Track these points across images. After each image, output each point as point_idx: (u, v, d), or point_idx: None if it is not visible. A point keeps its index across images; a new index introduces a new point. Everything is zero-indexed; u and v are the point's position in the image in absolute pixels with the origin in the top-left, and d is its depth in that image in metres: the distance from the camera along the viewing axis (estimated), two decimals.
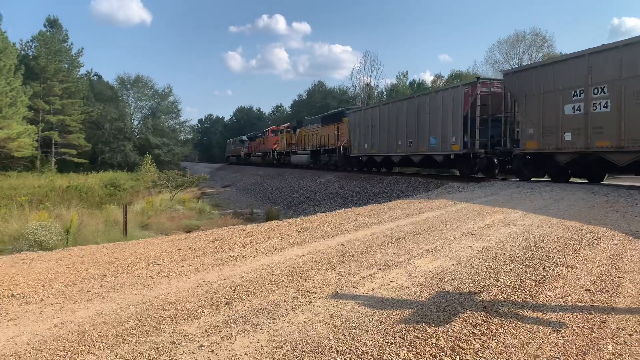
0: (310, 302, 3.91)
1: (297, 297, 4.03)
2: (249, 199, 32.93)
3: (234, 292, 4.20)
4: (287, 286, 4.37)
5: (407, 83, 61.12)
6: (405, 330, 3.30)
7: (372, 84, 58.73)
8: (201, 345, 3.09)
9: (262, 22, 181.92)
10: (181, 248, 6.36)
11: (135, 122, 60.92)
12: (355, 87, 60.30)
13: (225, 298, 4.04)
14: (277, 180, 34.76)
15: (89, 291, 4.36)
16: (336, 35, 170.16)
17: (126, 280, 4.72)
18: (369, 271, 4.85)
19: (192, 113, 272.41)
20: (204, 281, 4.59)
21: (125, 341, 3.19)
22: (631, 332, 3.33)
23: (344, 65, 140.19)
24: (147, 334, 3.30)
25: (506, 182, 14.62)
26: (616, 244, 5.90)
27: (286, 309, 3.74)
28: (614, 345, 3.15)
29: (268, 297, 4.07)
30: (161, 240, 7.58)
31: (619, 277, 4.60)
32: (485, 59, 47.66)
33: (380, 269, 4.94)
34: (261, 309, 3.76)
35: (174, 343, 3.14)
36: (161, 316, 3.63)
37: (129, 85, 60.15)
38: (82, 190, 25.48)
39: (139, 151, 53.55)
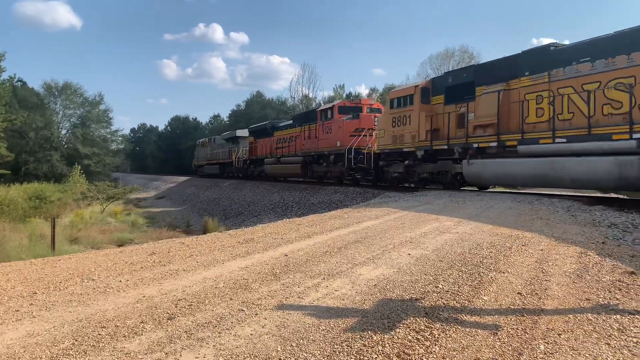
0: (256, 314, 3.88)
1: (242, 310, 3.98)
2: (185, 210, 32.12)
3: (176, 307, 4.09)
4: (231, 299, 4.31)
5: (344, 95, 62.15)
6: (351, 339, 3.35)
7: (310, 95, 59.29)
8: None
9: (198, 31, 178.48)
10: (117, 262, 6.11)
11: (64, 131, 57.73)
12: (294, 98, 60.61)
13: (167, 313, 3.93)
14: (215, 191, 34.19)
15: (18, 310, 4.08)
16: (274, 46, 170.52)
17: (59, 297, 4.46)
18: (314, 281, 4.88)
19: (124, 122, 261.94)
20: (144, 296, 4.43)
21: None
22: (560, 332, 3.56)
23: (282, 76, 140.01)
24: (85, 353, 3.14)
25: (439, 192, 15.18)
26: (542, 249, 6.29)
27: (232, 322, 3.69)
28: (546, 344, 3.35)
29: (212, 310, 3.99)
30: (95, 254, 7.24)
31: (546, 280, 4.91)
32: (418, 73, 49.29)
33: (324, 278, 4.98)
34: (206, 323, 3.69)
35: None
36: (99, 334, 3.47)
37: (56, 92, 56.93)
38: (4, 202, 23.82)
39: (67, 161, 50.73)
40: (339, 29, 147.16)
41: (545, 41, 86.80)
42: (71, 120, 58.71)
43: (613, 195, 12.29)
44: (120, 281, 5.03)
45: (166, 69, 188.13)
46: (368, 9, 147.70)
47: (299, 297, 4.34)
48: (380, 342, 3.30)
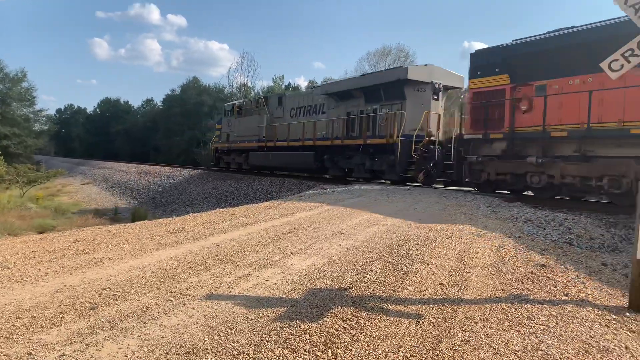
0: (184, 304, 3.83)
1: (170, 300, 3.91)
2: (113, 197, 30.87)
3: (99, 296, 3.95)
4: (159, 289, 4.22)
5: (283, 86, 61.89)
6: (280, 328, 3.40)
7: (249, 84, 58.42)
8: (63, 355, 2.87)
9: (133, 11, 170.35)
10: (36, 250, 5.79)
11: None
12: (232, 86, 59.41)
13: (90, 303, 3.79)
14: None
15: None
16: (213, 32, 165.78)
17: None
18: (245, 271, 4.88)
19: (49, 102, 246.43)
20: (65, 285, 4.24)
21: None
22: (477, 321, 3.79)
23: (220, 63, 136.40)
24: None
25: (371, 185, 15.55)
26: (464, 242, 6.63)
27: (158, 312, 3.62)
28: (463, 332, 3.56)
29: (138, 300, 3.89)
30: (11, 241, 6.81)
31: (466, 271, 5.19)
32: (356, 69, 49.92)
33: (255, 268, 4.99)
34: (131, 313, 3.60)
35: (30, 354, 2.88)
36: (14, 325, 3.29)
37: None
38: None
39: None
40: (279, 19, 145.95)
41: (476, 45, 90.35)
42: None
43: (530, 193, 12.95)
44: (39, 270, 4.78)
45: (97, 48, 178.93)
46: (310, 2, 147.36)
47: (229, 287, 4.32)
48: (308, 331, 3.37)
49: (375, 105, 17.15)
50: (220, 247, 5.99)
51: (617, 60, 4.69)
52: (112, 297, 3.94)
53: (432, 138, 14.90)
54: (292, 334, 3.31)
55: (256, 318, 3.57)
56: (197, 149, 52.95)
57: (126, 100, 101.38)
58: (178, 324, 3.40)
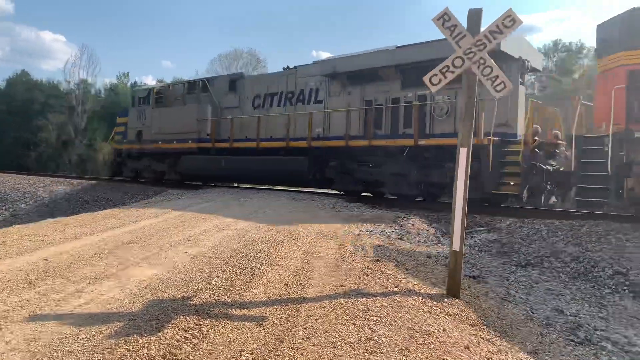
0: (0, 329, 3.40)
1: None
2: None
3: None
4: None
5: (129, 84, 58.00)
6: (115, 345, 3.20)
7: (90, 80, 53.57)
8: None
9: None
10: None
11: None
12: (70, 82, 53.88)
13: None
14: None
15: None
16: (46, 21, 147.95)
17: None
18: (77, 286, 4.49)
19: None
20: None
21: None
22: (317, 318, 3.99)
23: (55, 55, 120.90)
24: None
25: (222, 189, 15.40)
26: (309, 242, 6.92)
27: None
28: (304, 330, 3.72)
29: None
30: None
31: (309, 270, 5.43)
32: (207, 70, 48.93)
33: (90, 282, 4.62)
34: None
35: None
36: None
37: None
38: None
39: None
40: (123, 12, 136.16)
41: (322, 54, 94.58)
42: None
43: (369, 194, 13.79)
44: None
45: None
46: None
47: (57, 306, 3.94)
48: (146, 345, 3.23)
49: (422, 91, 11.45)
50: (49, 262, 5.42)
51: (436, 75, 5.30)
52: None
53: (536, 138, 10.42)
54: (129, 350, 3.14)
55: (88, 337, 3.31)
56: (25, 151, 47.15)
57: None
58: None
